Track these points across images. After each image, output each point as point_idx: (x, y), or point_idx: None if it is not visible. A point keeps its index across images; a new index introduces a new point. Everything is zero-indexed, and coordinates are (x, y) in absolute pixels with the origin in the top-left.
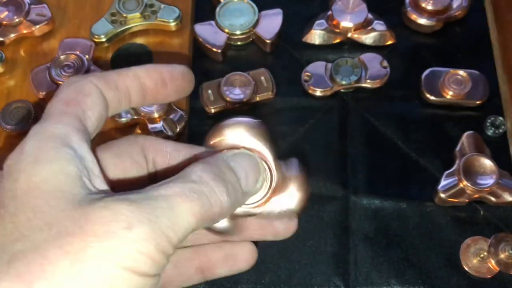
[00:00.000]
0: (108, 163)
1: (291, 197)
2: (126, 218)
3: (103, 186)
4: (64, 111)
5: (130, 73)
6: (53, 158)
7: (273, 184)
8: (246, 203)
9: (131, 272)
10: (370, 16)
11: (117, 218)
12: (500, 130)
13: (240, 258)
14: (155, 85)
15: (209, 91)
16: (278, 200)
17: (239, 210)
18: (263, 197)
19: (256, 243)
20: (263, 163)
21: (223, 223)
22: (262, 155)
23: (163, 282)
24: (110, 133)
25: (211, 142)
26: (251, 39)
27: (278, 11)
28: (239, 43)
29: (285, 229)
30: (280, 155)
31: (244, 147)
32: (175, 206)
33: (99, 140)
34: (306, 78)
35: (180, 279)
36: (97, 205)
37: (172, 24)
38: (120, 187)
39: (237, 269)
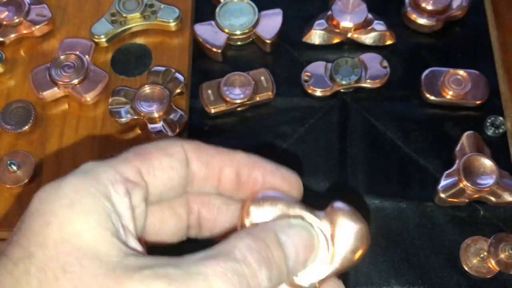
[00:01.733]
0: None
1: (348, 239)
2: None
3: (136, 245)
4: (129, 159)
5: (230, 156)
6: (90, 209)
7: (334, 260)
8: (310, 281)
9: None
10: (370, 16)
11: None
12: (500, 130)
13: None
14: (253, 182)
15: (209, 91)
16: (338, 252)
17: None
18: (325, 276)
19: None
20: (322, 236)
21: None
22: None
23: None
24: (109, 134)
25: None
26: (251, 39)
27: (278, 11)
28: (239, 43)
29: None
30: (281, 155)
31: (301, 215)
32: None
33: (101, 141)
34: (306, 78)
35: None
36: (133, 278)
37: (172, 24)
38: (152, 239)
39: None
